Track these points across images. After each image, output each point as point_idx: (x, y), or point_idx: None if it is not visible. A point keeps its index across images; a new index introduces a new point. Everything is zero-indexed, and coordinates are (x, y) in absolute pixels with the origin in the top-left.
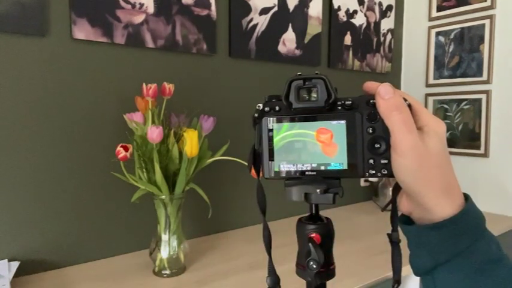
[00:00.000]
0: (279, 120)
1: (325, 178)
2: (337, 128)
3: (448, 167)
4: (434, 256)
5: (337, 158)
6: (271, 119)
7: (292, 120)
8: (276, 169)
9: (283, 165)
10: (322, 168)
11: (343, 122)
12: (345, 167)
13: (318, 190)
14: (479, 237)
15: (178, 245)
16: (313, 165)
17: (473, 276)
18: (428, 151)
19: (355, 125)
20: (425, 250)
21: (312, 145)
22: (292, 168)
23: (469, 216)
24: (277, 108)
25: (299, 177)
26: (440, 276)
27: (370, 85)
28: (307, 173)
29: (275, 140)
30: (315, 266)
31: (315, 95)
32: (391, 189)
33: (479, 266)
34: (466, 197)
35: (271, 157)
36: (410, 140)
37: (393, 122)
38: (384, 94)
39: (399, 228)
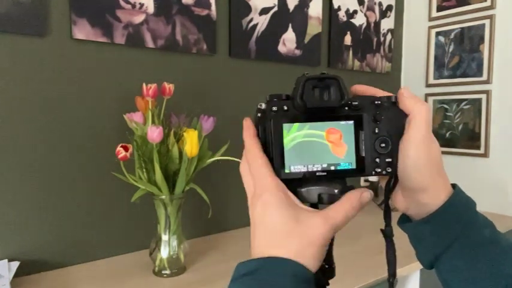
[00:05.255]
0: (289, 121)
1: (335, 178)
2: (346, 128)
3: (441, 156)
4: (432, 249)
5: (346, 158)
6: (281, 119)
7: (302, 120)
8: (287, 170)
9: (294, 166)
10: (332, 168)
11: (351, 122)
12: (354, 166)
13: (335, 190)
14: (469, 222)
15: (178, 245)
16: (324, 165)
17: (469, 261)
18: (435, 144)
19: (362, 126)
20: (423, 245)
21: (322, 145)
22: (303, 169)
23: (455, 204)
24: (285, 108)
25: (309, 178)
26: (442, 266)
27: (359, 88)
28: (318, 173)
29: (285, 140)
30: (327, 266)
31: (328, 95)
32: None
33: (473, 250)
34: (454, 186)
35: (282, 158)
36: (429, 134)
37: (417, 113)
38: (408, 93)
39: (398, 226)
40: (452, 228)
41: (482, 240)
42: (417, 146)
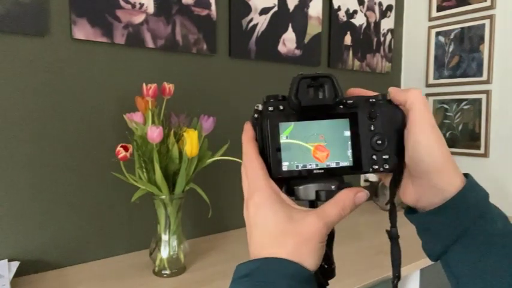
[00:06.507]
0: (284, 119)
1: (332, 175)
2: (341, 125)
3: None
4: (442, 240)
5: (343, 156)
6: (277, 118)
7: (298, 118)
8: (284, 168)
9: (291, 164)
10: (329, 165)
11: (346, 120)
12: (351, 163)
13: (332, 186)
14: (483, 212)
15: (178, 245)
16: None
17: (481, 253)
18: (439, 129)
19: (358, 123)
20: (432, 235)
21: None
22: (300, 167)
23: (470, 193)
24: (281, 107)
25: (306, 176)
26: (452, 257)
27: (356, 91)
28: (314, 171)
29: (282, 139)
30: (326, 266)
31: (323, 94)
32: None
33: (485, 242)
34: (467, 175)
35: (279, 156)
36: (431, 116)
37: (413, 98)
38: (397, 89)
39: (399, 223)
40: (465, 218)
41: (495, 232)
42: (424, 127)
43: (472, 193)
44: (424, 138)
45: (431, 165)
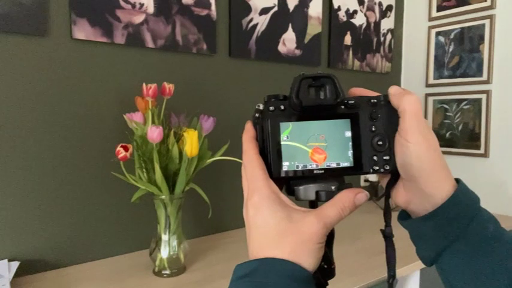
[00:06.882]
0: (285, 119)
1: (332, 176)
2: (342, 126)
3: (438, 145)
4: (434, 245)
5: (343, 156)
6: (278, 118)
7: (299, 118)
8: (284, 168)
9: (291, 164)
10: (330, 166)
11: (347, 120)
12: (351, 164)
13: (332, 187)
14: (474, 217)
15: (178, 245)
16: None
17: (473, 257)
18: (432, 134)
19: (359, 124)
20: (424, 241)
21: (318, 144)
22: (300, 167)
23: (460, 199)
24: (282, 107)
25: (306, 176)
26: (445, 262)
27: (357, 91)
28: (315, 171)
29: (282, 139)
30: (326, 266)
31: (324, 94)
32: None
33: (477, 246)
34: (458, 181)
35: (279, 156)
36: (422, 123)
37: (405, 105)
38: (395, 90)
39: (396, 224)
40: (456, 224)
41: (486, 236)
42: (413, 133)
43: (462, 199)
44: (412, 145)
45: (419, 170)
